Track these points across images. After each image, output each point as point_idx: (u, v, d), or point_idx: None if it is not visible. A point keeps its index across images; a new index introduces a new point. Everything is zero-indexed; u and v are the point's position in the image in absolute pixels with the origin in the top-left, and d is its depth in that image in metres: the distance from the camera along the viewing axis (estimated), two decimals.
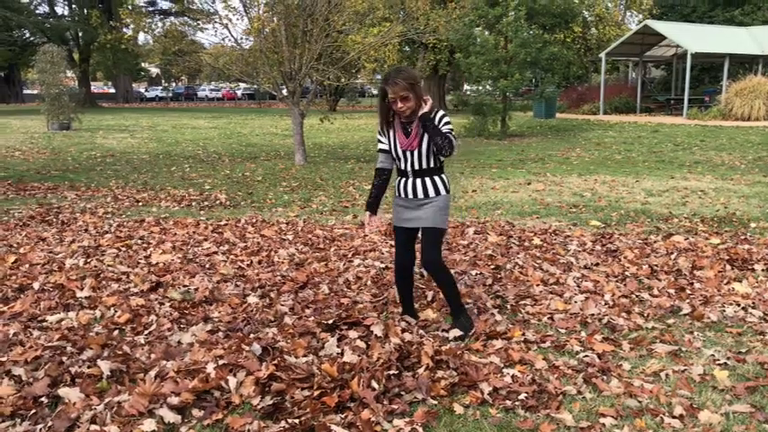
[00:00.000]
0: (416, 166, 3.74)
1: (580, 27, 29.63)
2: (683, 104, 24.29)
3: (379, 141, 3.88)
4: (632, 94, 28.54)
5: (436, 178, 3.77)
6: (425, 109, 3.64)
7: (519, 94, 20.85)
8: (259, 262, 5.52)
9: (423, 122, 3.64)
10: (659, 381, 3.25)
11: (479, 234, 6.57)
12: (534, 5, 19.56)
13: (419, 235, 3.90)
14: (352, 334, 3.72)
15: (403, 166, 3.80)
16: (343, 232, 6.71)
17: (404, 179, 3.82)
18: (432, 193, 3.75)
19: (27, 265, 5.33)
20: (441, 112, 3.69)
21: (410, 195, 3.79)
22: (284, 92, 13.25)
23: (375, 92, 56.08)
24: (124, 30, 27.63)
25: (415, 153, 3.71)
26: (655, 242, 6.15)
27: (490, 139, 18.51)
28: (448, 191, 3.83)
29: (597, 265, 5.37)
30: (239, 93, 61.74)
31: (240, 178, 11.15)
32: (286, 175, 11.44)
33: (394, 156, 3.82)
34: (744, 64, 28.48)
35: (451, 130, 3.67)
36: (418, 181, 3.76)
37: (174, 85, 70.20)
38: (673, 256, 5.57)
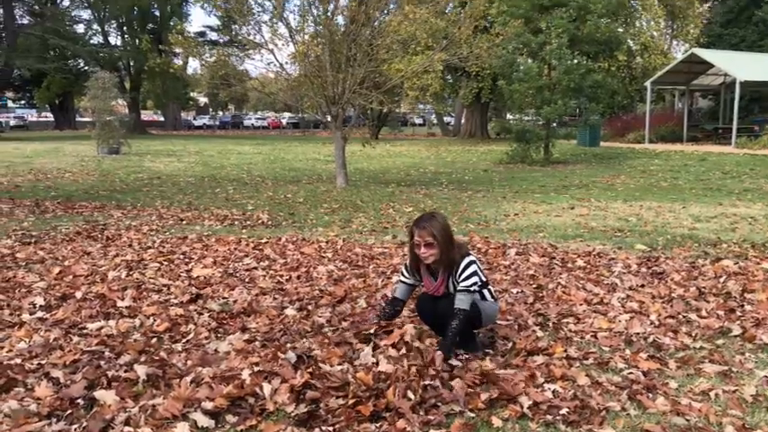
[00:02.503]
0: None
1: (625, 55, 29.31)
2: (732, 133, 23.76)
3: (403, 274, 3.87)
4: (678, 123, 28.07)
5: None
6: None
7: (563, 123, 20.65)
8: (298, 277, 5.51)
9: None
10: (708, 400, 3.11)
11: (521, 255, 6.46)
12: (578, 33, 19.48)
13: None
14: (387, 343, 3.66)
15: None
16: (383, 251, 6.67)
17: None
18: None
19: (71, 276, 5.42)
20: (466, 261, 3.61)
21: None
22: (328, 117, 13.38)
23: (417, 120, 56.37)
24: (173, 58, 28.44)
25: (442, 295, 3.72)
26: (703, 266, 5.96)
27: (533, 166, 18.37)
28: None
29: (642, 286, 5.22)
30: (284, 121, 62.83)
31: (282, 200, 11.24)
32: (327, 198, 11.49)
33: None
34: None
35: (475, 283, 3.59)
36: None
37: (221, 113, 71.62)
38: (722, 280, 5.38)
